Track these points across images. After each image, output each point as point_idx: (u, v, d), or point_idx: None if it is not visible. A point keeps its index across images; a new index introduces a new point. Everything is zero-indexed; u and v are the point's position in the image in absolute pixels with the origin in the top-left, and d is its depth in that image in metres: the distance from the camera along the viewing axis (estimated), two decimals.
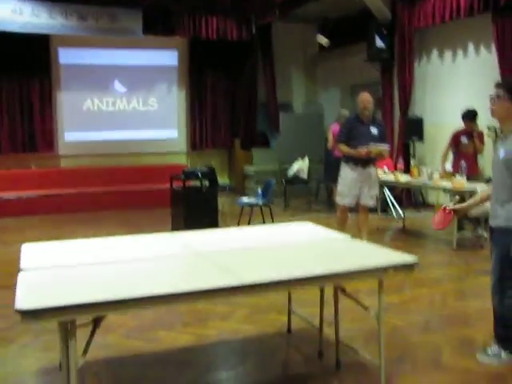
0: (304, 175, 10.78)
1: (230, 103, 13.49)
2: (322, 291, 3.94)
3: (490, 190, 3.91)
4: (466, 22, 9.22)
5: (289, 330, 4.36)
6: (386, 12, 10.48)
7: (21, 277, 2.87)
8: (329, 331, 3.96)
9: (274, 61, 13.19)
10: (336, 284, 3.54)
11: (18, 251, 6.91)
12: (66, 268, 3.11)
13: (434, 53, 10.33)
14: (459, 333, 4.37)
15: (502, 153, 3.66)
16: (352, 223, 7.44)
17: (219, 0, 10.20)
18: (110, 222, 9.35)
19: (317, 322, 4.01)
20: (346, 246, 3.80)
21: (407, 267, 3.23)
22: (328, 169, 10.09)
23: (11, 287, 5.50)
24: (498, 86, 3.77)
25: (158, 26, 11.57)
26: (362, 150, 6.80)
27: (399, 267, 3.24)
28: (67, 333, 2.58)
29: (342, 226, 7.02)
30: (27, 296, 2.50)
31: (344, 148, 7.01)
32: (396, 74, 10.50)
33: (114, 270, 3.10)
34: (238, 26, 12.06)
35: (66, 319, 2.48)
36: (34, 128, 11.74)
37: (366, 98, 7.01)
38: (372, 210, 7.60)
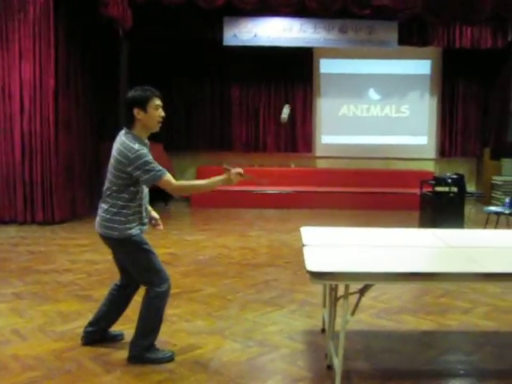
0: None
1: (482, 112, 13.47)
2: None
3: None
4: None
5: None
6: None
7: (306, 250, 3.72)
8: None
9: None
10: None
11: (280, 238, 8.08)
12: (341, 247, 3.92)
13: None
14: None
15: None
16: None
17: (477, 10, 10.33)
18: (359, 219, 10.14)
19: None
20: None
21: None
22: None
23: (278, 266, 6.64)
24: None
25: (412, 37, 12.11)
26: None
27: None
28: (337, 296, 3.37)
29: None
30: (314, 263, 3.31)
31: None
32: None
33: (379, 252, 3.83)
34: (493, 34, 12.08)
35: (343, 283, 3.26)
36: (296, 130, 13.10)
37: None
38: None
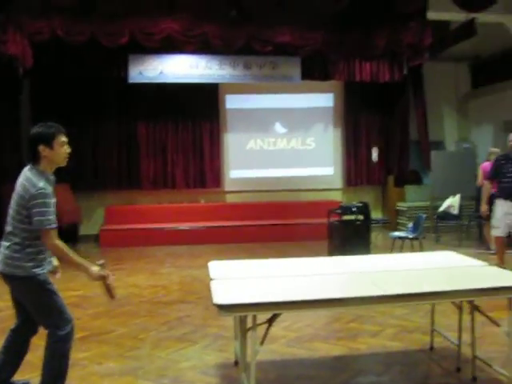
0: (455, 211, 11.01)
1: (384, 142, 14.01)
2: (460, 313, 4.44)
3: None
4: None
5: (431, 347, 4.89)
6: None
7: (213, 283, 3.72)
8: (468, 351, 4.41)
9: (426, 99, 13.60)
10: (466, 300, 4.04)
11: (191, 274, 8.05)
12: (247, 279, 3.95)
13: None
14: None
15: None
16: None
17: (371, 46, 10.86)
18: (270, 251, 10.21)
19: (457, 341, 4.51)
20: (482, 271, 4.31)
21: None
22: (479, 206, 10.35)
23: (191, 302, 6.58)
24: None
25: (314, 72, 12.51)
26: (483, 207, 7.88)
27: None
28: (247, 327, 3.39)
29: (501, 257, 7.72)
30: (222, 296, 3.32)
31: (485, 188, 7.85)
32: None
33: (286, 281, 3.89)
34: (390, 68, 12.63)
35: (250, 313, 3.28)
36: (204, 166, 13.15)
37: None
38: None
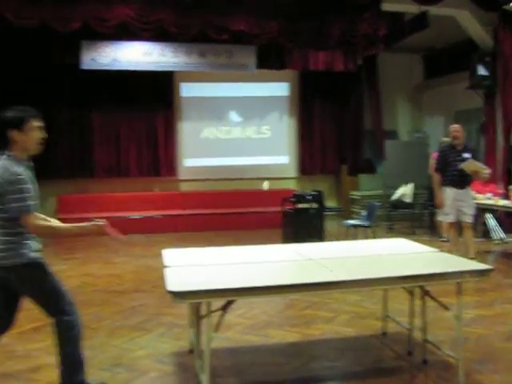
0: (408, 200, 11.21)
1: (338, 131, 14.14)
2: (411, 298, 4.53)
3: None
4: None
5: (384, 332, 4.99)
6: (489, 40, 10.85)
7: (167, 271, 3.70)
8: (419, 335, 4.52)
9: (380, 89, 13.79)
10: (417, 285, 4.13)
11: (146, 263, 8.01)
12: (201, 266, 3.94)
13: None
14: None
15: None
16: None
17: (326, 36, 10.91)
18: (225, 239, 10.22)
19: (408, 326, 4.61)
20: (433, 256, 4.40)
21: (482, 272, 3.80)
22: (432, 194, 10.56)
23: (145, 291, 6.54)
24: None
25: (270, 61, 12.51)
26: (439, 199, 7.91)
27: (475, 272, 3.81)
28: (201, 314, 3.39)
29: (455, 242, 8.00)
30: (175, 283, 3.31)
31: (436, 179, 7.99)
32: (499, 101, 10.79)
33: (240, 268, 3.90)
34: (344, 58, 12.73)
35: (205, 300, 3.28)
36: (158, 155, 13.04)
37: (455, 129, 7.92)
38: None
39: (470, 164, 7.58)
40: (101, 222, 3.66)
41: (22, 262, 3.47)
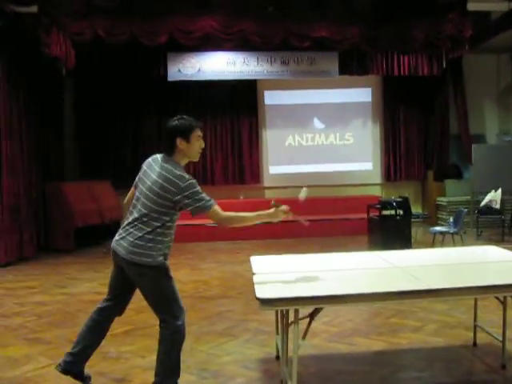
0: (496, 205, 10.85)
1: (423, 136, 13.91)
2: (504, 309, 4.39)
3: None
4: None
5: (474, 343, 4.84)
6: None
7: (255, 278, 3.77)
8: None
9: (466, 92, 13.44)
10: (510, 295, 3.97)
11: (232, 269, 8.10)
12: (290, 273, 3.97)
13: None
14: None
15: None
16: None
17: (410, 39, 10.75)
18: (310, 246, 10.23)
19: (501, 337, 4.46)
20: None
21: None
22: None
23: (231, 297, 6.65)
24: None
25: (352, 67, 12.47)
26: None
27: None
28: (288, 321, 3.42)
29: None
30: (263, 290, 3.36)
31: None
32: None
33: (328, 276, 3.90)
34: (428, 61, 12.56)
35: (292, 307, 3.32)
36: (243, 162, 13.24)
37: None
38: None
39: None
40: (284, 206, 3.84)
41: (151, 264, 3.59)
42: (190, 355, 4.75)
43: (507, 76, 13.74)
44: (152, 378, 3.73)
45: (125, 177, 12.58)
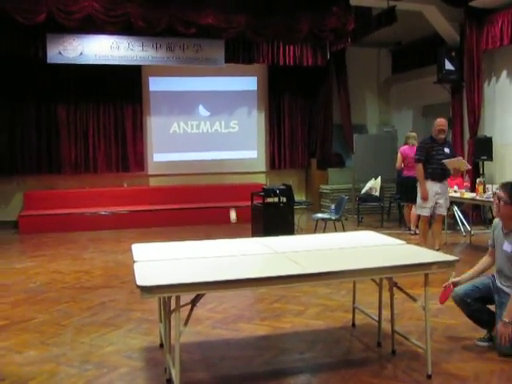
0: (376, 193, 11.30)
1: (307, 125, 14.21)
2: (380, 290, 4.57)
3: (485, 263, 4.60)
4: None
5: (353, 324, 5.03)
6: (455, 36, 11.00)
7: (136, 266, 3.67)
8: (388, 327, 4.56)
9: (349, 84, 13.86)
10: (386, 277, 4.16)
11: (115, 259, 7.95)
12: (170, 260, 3.92)
13: (503, 73, 10.70)
14: None
15: (506, 247, 4.28)
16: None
17: (295, 30, 10.95)
18: (195, 234, 10.12)
19: (377, 318, 4.65)
20: (400, 249, 4.45)
21: (449, 264, 3.85)
22: (399, 188, 10.73)
23: (114, 287, 6.49)
24: (502, 187, 4.29)
25: (238, 55, 12.50)
26: (425, 191, 7.87)
27: (442, 264, 3.85)
28: (171, 309, 3.37)
29: (425, 236, 8.12)
30: (144, 277, 3.28)
31: (419, 170, 7.93)
32: (465, 95, 10.95)
33: (209, 262, 3.88)
34: (313, 52, 12.82)
35: (174, 294, 3.26)
36: (126, 150, 12.94)
37: (441, 124, 7.93)
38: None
39: (455, 161, 7.75)
40: None
41: None
42: (71, 348, 4.60)
43: (387, 70, 14.37)
44: (29, 373, 3.57)
45: (1, 164, 11.96)
